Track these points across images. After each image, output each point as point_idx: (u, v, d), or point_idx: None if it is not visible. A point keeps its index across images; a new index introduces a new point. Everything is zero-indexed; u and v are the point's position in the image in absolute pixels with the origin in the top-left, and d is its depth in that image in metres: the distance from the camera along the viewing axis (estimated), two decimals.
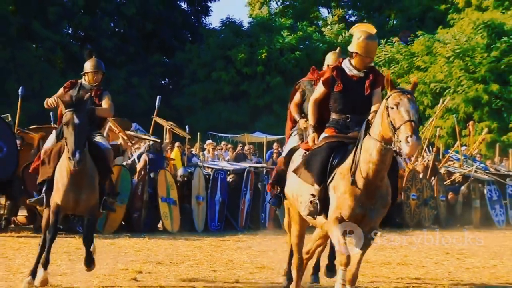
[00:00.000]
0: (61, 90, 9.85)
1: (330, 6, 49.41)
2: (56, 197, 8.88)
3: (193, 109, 40.31)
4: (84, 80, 10.05)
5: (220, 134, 33.50)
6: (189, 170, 17.37)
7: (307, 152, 7.94)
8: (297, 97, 9.77)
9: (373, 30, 7.95)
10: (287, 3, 48.92)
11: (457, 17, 39.02)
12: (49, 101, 9.60)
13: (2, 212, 16.11)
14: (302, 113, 9.44)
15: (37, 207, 10.34)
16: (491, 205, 20.23)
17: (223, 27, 44.42)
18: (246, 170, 18.09)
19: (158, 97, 18.97)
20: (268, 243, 14.67)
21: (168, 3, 44.83)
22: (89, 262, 9.22)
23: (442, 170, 20.50)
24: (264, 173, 18.20)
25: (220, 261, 12.13)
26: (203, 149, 21.27)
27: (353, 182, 7.20)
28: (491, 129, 32.10)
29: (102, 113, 9.70)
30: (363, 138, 7.21)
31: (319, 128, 8.03)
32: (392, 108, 6.87)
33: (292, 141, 9.47)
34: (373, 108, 7.68)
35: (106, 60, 42.11)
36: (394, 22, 46.21)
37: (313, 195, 7.51)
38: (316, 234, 8.70)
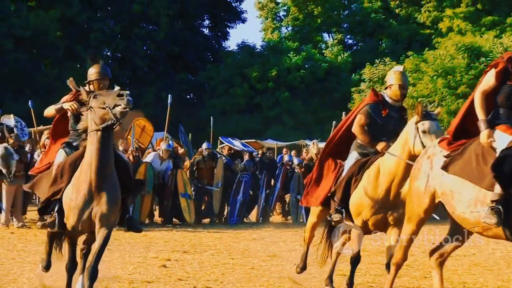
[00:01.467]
0: (66, 98, 7.64)
1: (331, 31, 49.50)
2: (72, 217, 6.76)
3: (213, 119, 40.34)
4: (88, 89, 7.48)
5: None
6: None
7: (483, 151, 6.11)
8: (362, 119, 8.08)
9: None
10: (297, 28, 49.01)
11: (442, 41, 38.88)
12: (71, 107, 7.38)
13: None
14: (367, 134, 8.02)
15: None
16: None
17: (239, 50, 44.62)
18: (264, 173, 18.01)
19: (169, 95, 18.78)
20: (278, 234, 14.62)
21: (192, 29, 44.91)
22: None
23: None
24: (277, 172, 18.21)
25: (237, 250, 12.08)
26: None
27: None
28: None
29: (116, 134, 7.37)
30: None
31: (489, 122, 6.17)
32: None
33: (352, 158, 8.09)
34: None
35: (139, 78, 42.65)
36: (385, 45, 46.10)
37: (493, 201, 5.80)
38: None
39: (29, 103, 17.71)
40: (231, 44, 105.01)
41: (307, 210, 18.21)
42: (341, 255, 10.75)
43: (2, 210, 14.86)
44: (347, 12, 48.94)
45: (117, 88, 6.83)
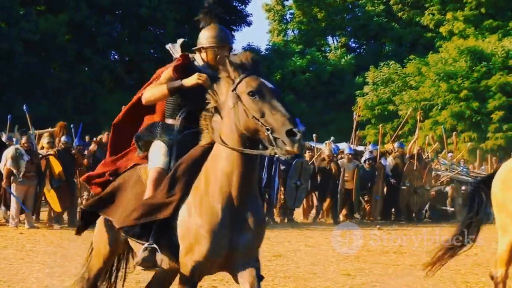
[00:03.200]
0: (168, 73, 5.29)
1: (335, 34, 49.59)
2: (198, 250, 4.58)
3: None
4: (200, 58, 5.44)
5: None
6: None
7: None
8: None
9: None
10: (302, 32, 49.09)
11: (445, 45, 38.84)
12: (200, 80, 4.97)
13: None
14: None
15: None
16: None
17: None
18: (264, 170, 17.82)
19: None
20: (284, 234, 14.58)
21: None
22: None
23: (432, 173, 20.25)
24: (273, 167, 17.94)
25: None
26: None
27: None
28: (471, 139, 32.27)
29: None
30: None
31: None
32: None
33: None
34: None
35: (147, 81, 42.67)
36: (389, 48, 46.08)
37: None
38: None
39: (24, 107, 17.55)
40: (237, 47, 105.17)
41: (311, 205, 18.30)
42: (343, 255, 10.78)
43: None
44: (350, 15, 48.98)
45: (282, 109, 4.42)
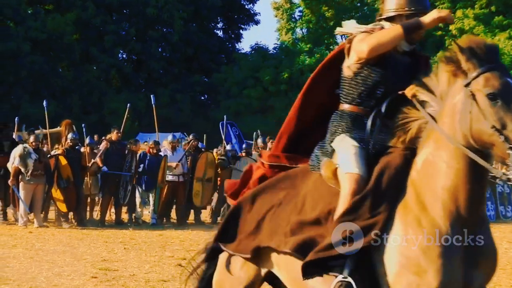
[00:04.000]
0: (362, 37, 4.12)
1: None
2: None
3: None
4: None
5: (250, 142, 33.51)
6: None
7: None
8: None
9: None
10: (311, 30, 49.07)
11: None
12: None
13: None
14: None
15: None
16: None
17: (252, 52, 44.73)
18: None
19: (152, 96, 18.20)
20: None
21: (206, 32, 45.00)
22: None
23: None
24: None
25: None
26: None
27: None
28: None
29: None
30: None
31: None
32: None
33: None
34: None
35: (154, 80, 42.71)
36: None
37: None
38: None
39: (44, 103, 17.52)
40: (245, 46, 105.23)
41: None
42: None
43: None
44: (359, 14, 48.91)
45: None
